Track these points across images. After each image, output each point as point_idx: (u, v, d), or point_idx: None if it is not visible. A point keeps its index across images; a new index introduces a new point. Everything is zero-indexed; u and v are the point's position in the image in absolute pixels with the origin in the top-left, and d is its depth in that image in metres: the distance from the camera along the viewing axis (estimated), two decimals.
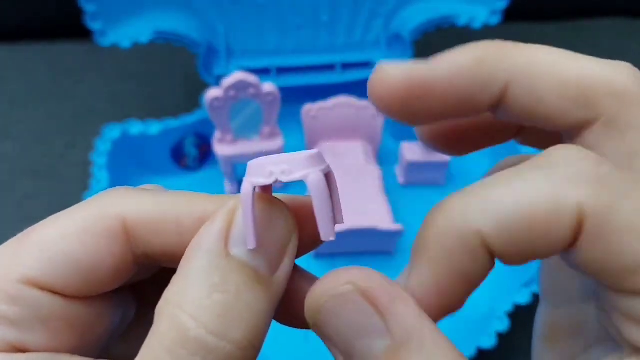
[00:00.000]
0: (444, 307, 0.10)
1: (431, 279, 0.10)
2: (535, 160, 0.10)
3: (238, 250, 0.11)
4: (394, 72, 0.11)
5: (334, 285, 0.11)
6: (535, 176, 0.10)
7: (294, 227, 0.12)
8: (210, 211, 0.12)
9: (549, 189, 0.09)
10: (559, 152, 0.10)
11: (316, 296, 0.11)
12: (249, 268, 0.11)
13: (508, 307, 0.27)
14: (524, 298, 0.28)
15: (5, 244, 0.12)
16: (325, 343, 0.11)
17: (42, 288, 0.11)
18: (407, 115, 0.12)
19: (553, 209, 0.09)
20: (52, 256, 0.11)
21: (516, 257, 0.10)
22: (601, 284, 0.10)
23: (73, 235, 0.12)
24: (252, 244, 0.11)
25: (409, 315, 0.10)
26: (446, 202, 0.10)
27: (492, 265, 0.10)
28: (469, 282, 0.10)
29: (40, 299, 0.11)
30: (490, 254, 0.10)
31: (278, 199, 0.12)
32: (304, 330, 0.32)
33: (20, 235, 0.12)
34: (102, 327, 0.13)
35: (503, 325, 0.27)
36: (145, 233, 0.12)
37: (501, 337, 0.26)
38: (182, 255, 0.11)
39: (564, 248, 0.09)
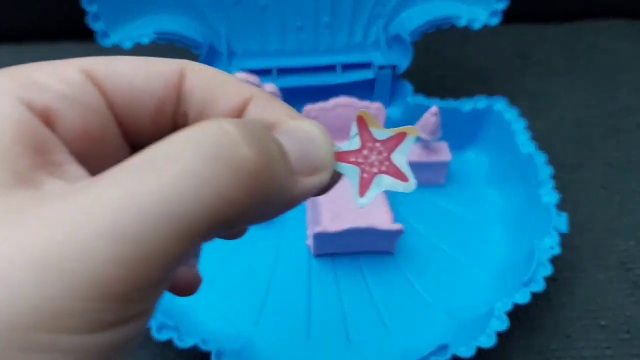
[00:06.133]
0: None
1: None
2: None
3: None
4: None
5: None
6: None
7: None
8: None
9: None
10: None
11: None
12: None
13: (508, 307, 0.27)
14: (523, 298, 0.28)
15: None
16: None
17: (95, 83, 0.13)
18: None
19: None
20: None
21: None
22: None
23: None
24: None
25: None
26: None
27: None
28: None
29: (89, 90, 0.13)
30: None
31: None
32: (306, 327, 0.33)
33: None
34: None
35: (503, 324, 0.27)
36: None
37: (500, 336, 0.26)
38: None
39: None
